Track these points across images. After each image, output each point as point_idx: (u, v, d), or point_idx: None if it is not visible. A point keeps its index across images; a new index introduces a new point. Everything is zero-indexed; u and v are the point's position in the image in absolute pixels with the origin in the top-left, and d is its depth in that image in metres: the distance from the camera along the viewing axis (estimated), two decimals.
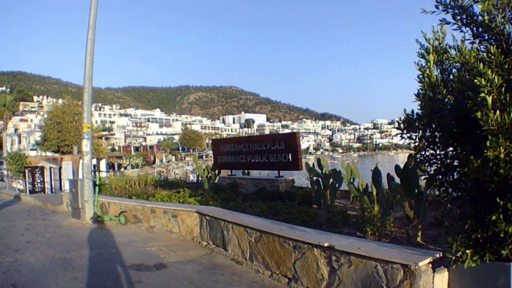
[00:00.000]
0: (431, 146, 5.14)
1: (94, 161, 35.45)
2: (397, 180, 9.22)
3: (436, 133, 4.99)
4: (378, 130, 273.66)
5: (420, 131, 5.14)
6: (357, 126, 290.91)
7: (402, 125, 5.28)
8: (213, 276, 6.66)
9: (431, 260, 4.52)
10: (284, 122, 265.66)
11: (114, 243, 9.43)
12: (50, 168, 22.37)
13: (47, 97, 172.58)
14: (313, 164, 12.04)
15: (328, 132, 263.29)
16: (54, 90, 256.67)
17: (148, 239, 9.82)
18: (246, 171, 15.68)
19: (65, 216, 13.50)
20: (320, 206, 11.07)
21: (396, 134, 5.50)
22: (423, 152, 5.28)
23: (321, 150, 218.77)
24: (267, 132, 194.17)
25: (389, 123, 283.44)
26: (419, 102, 4.98)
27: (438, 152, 5.08)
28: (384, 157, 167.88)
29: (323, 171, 11.69)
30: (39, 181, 20.92)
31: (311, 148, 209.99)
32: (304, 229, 6.88)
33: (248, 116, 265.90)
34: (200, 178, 16.65)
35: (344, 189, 11.93)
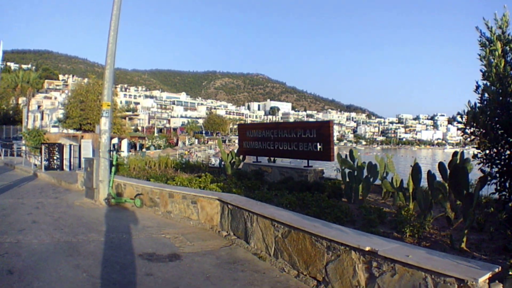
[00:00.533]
0: (496, 145, 4.31)
1: (115, 140, 35.16)
2: (438, 177, 8.40)
3: (502, 131, 4.18)
4: (403, 125, 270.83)
5: (484, 127, 4.31)
6: (382, 120, 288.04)
7: (465, 119, 4.40)
8: (232, 273, 5.92)
9: (490, 276, 3.90)
10: (309, 112, 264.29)
11: (127, 227, 8.77)
12: (70, 145, 21.88)
13: (73, 76, 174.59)
14: (346, 155, 11.13)
15: (353, 124, 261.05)
16: (80, 70, 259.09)
17: (163, 225, 9.15)
18: (272, 158, 14.85)
19: (78, 195, 12.93)
20: (350, 200, 10.31)
21: (459, 129, 4.64)
22: (487, 151, 4.46)
23: (345, 141, 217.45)
24: (291, 120, 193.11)
25: (414, 119, 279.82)
26: (480, 96, 4.15)
27: (503, 151, 4.24)
28: (407, 152, 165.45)
29: (356, 163, 10.82)
30: (56, 158, 20.41)
31: (335, 139, 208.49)
32: (339, 227, 6.10)
33: (274, 104, 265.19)
34: (223, 163, 15.90)
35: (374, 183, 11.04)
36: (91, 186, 11.89)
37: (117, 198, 11.36)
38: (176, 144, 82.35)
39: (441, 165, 8.17)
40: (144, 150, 58.09)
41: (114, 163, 11.75)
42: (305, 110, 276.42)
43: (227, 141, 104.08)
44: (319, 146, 12.11)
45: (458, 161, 8.40)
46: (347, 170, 10.64)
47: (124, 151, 34.54)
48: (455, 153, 8.49)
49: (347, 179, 10.40)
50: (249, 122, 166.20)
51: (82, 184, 13.64)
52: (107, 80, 11.87)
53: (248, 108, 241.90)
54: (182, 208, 9.78)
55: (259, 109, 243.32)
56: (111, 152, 11.97)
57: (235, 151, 15.74)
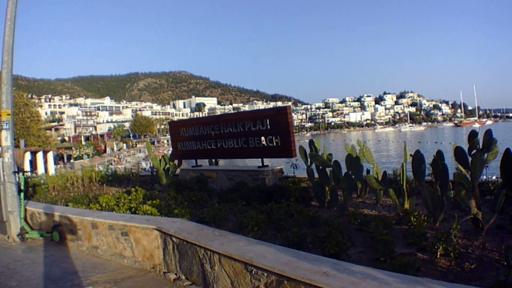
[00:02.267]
0: None
1: (40, 154, 32.26)
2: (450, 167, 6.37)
3: None
4: (330, 109, 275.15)
5: None
6: (309, 106, 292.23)
7: None
8: None
9: None
10: (235, 105, 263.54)
11: (42, 277, 6.33)
12: None
13: None
14: (312, 149, 8.85)
15: None
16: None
17: (90, 267, 6.71)
18: (215, 160, 12.32)
19: None
20: (323, 204, 8.42)
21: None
22: None
23: None
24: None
25: (341, 102, 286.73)
26: None
27: None
28: (337, 135, 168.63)
29: (321, 156, 8.66)
30: None
31: None
32: (367, 271, 3.74)
33: (199, 100, 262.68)
34: (155, 170, 13.20)
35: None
36: (2, 219, 9.07)
37: (32, 232, 8.69)
38: (105, 151, 79.85)
39: (459, 150, 6.07)
40: (72, 161, 54.94)
41: (22, 187, 8.89)
42: (231, 104, 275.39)
43: (155, 142, 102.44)
44: (275, 140, 9.78)
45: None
46: (314, 167, 8.44)
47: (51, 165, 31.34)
48: (473, 134, 6.41)
49: (316, 178, 8.23)
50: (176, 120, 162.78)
51: None
52: (5, 82, 9.10)
53: (174, 106, 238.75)
54: (111, 242, 7.14)
55: (184, 107, 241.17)
56: (16, 174, 9.07)
57: (168, 154, 13.03)
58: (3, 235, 9.13)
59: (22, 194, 8.96)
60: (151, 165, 14.18)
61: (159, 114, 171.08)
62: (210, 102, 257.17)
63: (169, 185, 10.93)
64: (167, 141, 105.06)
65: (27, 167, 28.25)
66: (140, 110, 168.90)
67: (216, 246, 4.82)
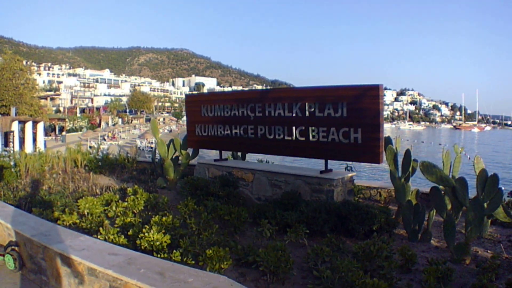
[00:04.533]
0: None
1: (29, 124, 28.84)
2: None
3: None
4: None
5: None
6: None
7: None
8: None
9: None
10: (234, 87, 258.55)
11: None
12: None
13: None
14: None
15: None
16: (5, 50, 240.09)
17: None
18: (242, 154, 8.90)
19: None
20: (414, 235, 5.98)
21: None
22: None
23: None
24: None
25: None
26: None
27: None
28: None
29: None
30: None
31: None
32: None
33: (199, 79, 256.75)
34: (158, 158, 9.88)
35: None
36: None
37: None
38: (99, 125, 75.49)
39: None
40: (64, 133, 51.03)
41: None
42: (230, 86, 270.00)
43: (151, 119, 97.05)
44: (353, 135, 6.43)
45: None
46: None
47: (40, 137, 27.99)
48: None
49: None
50: (173, 98, 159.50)
51: None
52: None
53: (173, 84, 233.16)
54: None
55: (183, 85, 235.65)
56: None
57: (180, 139, 9.58)
58: None
59: None
60: (151, 147, 10.77)
61: (158, 91, 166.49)
62: (210, 83, 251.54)
63: (182, 184, 7.52)
64: (163, 119, 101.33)
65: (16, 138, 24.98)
66: (138, 85, 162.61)
67: None
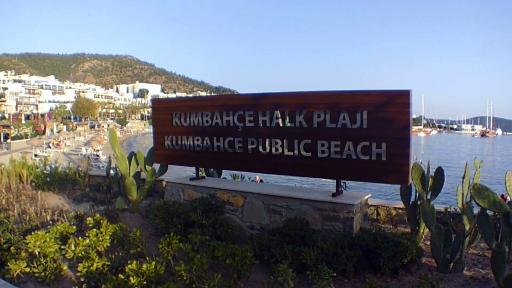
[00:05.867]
0: None
1: None
2: None
3: None
4: None
5: None
6: None
7: None
8: None
9: None
10: (178, 94, 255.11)
11: None
12: None
13: None
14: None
15: None
16: None
17: None
18: (218, 171, 7.45)
19: None
20: (445, 266, 4.90)
21: None
22: None
23: None
24: None
25: None
26: None
27: None
28: None
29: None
30: None
31: None
32: None
33: (143, 86, 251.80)
34: (112, 172, 8.31)
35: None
36: None
37: None
38: (44, 132, 72.78)
39: None
40: (9, 141, 48.53)
41: None
42: (174, 92, 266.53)
43: (96, 126, 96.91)
44: (376, 150, 5.11)
45: None
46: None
47: None
48: None
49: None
50: (118, 105, 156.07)
51: None
52: None
53: (117, 91, 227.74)
54: None
55: (127, 92, 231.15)
56: None
57: (143, 152, 7.96)
58: None
59: None
60: (97, 155, 9.32)
61: (102, 98, 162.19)
62: (154, 89, 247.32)
63: (154, 211, 5.96)
64: (107, 125, 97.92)
65: None
66: (83, 91, 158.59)
67: None
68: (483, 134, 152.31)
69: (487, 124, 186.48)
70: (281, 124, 5.77)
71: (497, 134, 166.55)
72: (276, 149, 5.90)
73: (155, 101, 8.02)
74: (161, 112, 7.55)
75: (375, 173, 5.18)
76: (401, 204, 7.32)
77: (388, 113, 5.00)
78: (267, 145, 5.99)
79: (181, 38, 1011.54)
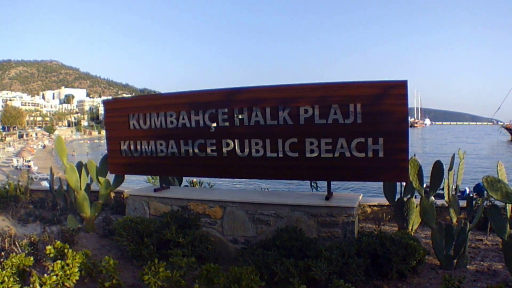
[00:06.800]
0: None
1: None
2: None
3: None
4: None
5: None
6: None
7: None
8: None
9: None
10: (104, 98, 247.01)
11: None
12: None
13: None
14: None
15: None
16: None
17: None
18: (179, 179, 6.70)
19: None
20: (449, 263, 4.63)
21: None
22: None
23: None
24: (87, 108, 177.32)
25: None
26: None
27: None
28: None
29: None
30: None
31: None
32: None
33: (68, 91, 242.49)
34: (57, 187, 7.35)
35: None
36: None
37: None
38: None
39: None
40: None
41: None
42: (99, 96, 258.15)
43: (24, 135, 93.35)
44: (372, 146, 4.65)
45: None
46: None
47: None
48: None
49: None
50: (44, 112, 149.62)
51: None
52: None
53: (43, 97, 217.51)
54: None
55: (53, 98, 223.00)
56: None
57: (95, 162, 7.02)
58: None
59: None
60: (29, 166, 8.41)
61: (29, 105, 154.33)
62: (79, 94, 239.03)
63: (120, 230, 5.11)
64: (36, 134, 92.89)
65: None
66: (10, 100, 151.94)
67: None
68: (411, 125, 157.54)
69: (415, 115, 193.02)
70: (262, 122, 5.14)
71: (425, 125, 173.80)
72: (257, 151, 5.25)
73: (108, 102, 7.04)
74: (116, 114, 6.61)
75: (373, 171, 4.69)
76: (375, 202, 6.98)
77: (384, 106, 4.52)
78: (245, 147, 5.34)
79: (103, 40, 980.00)
